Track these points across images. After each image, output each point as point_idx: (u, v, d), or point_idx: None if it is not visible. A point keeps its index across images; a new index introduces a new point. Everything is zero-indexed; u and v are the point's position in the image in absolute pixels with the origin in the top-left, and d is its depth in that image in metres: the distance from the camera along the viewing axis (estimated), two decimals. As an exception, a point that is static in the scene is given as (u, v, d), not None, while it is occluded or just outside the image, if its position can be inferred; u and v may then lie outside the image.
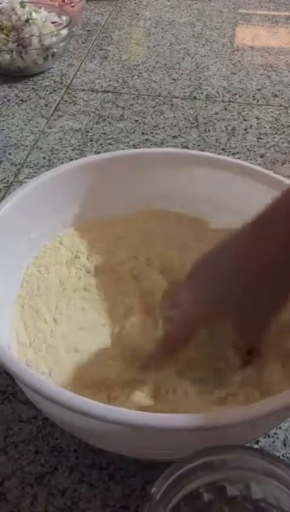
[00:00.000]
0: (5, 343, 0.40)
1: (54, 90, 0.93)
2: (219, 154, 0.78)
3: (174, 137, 0.82)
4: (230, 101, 0.91)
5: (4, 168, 0.75)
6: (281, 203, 0.40)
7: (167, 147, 0.79)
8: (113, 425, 0.34)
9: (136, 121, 0.85)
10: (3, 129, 0.83)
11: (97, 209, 0.55)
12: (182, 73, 0.98)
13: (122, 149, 0.79)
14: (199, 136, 0.82)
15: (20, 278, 0.50)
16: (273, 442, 0.46)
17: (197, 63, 1.02)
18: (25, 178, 0.73)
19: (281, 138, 0.82)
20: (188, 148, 0.79)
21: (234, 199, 0.53)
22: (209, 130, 0.83)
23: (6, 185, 0.72)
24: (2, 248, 0.47)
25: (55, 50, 0.95)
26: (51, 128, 0.83)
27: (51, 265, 0.52)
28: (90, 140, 0.81)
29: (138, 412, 0.35)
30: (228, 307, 0.42)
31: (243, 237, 0.42)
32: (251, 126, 0.84)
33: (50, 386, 0.36)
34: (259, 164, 0.76)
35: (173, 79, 0.97)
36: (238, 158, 0.77)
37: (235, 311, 0.42)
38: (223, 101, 0.91)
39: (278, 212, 0.40)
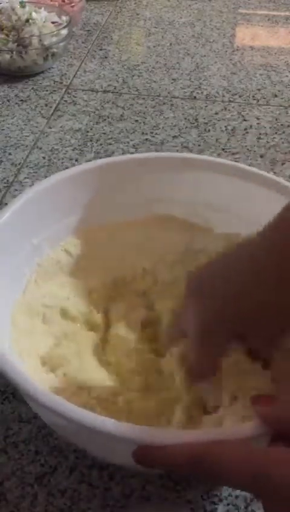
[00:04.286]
0: (6, 350, 0.39)
1: (54, 90, 0.93)
2: (218, 154, 0.78)
3: (174, 137, 0.82)
4: (230, 101, 0.91)
5: (4, 168, 0.75)
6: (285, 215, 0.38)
7: (167, 147, 0.80)
8: (116, 440, 0.34)
9: (136, 121, 0.85)
10: (3, 129, 0.83)
11: (101, 214, 0.54)
12: (182, 73, 0.98)
13: (122, 149, 0.79)
14: (199, 136, 0.82)
15: (23, 283, 0.50)
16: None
17: (197, 63, 1.02)
18: (25, 178, 0.73)
19: (281, 138, 0.82)
20: (188, 148, 0.79)
21: (238, 204, 0.53)
22: (209, 130, 0.83)
23: (6, 185, 0.72)
24: (4, 253, 0.46)
25: (55, 50, 0.95)
26: (51, 128, 0.84)
27: (53, 274, 0.52)
28: (90, 140, 0.81)
29: (140, 426, 0.35)
30: (241, 326, 0.40)
31: (248, 249, 0.40)
32: (250, 126, 0.84)
33: (49, 396, 0.35)
34: (259, 164, 0.76)
35: (173, 79, 0.97)
36: (238, 158, 0.77)
37: (250, 329, 0.40)
38: (223, 101, 0.91)
39: (284, 224, 0.38)
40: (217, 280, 0.41)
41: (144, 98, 0.91)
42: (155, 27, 1.15)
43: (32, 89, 0.93)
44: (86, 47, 1.07)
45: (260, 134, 0.83)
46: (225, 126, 0.84)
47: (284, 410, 0.33)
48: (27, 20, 0.94)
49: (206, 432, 0.33)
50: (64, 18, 0.99)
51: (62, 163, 0.76)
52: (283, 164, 0.76)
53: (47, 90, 0.93)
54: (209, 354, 0.41)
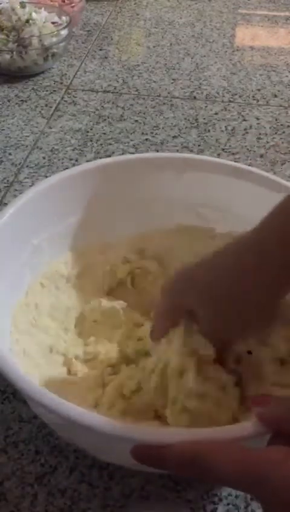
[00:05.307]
0: (6, 351, 0.39)
1: (54, 90, 0.93)
2: (218, 154, 0.78)
3: (174, 137, 0.82)
4: (230, 101, 0.91)
5: (4, 168, 0.75)
6: (273, 218, 0.38)
7: (167, 147, 0.80)
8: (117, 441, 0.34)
9: (136, 121, 0.85)
10: (3, 129, 0.83)
11: (100, 214, 0.54)
12: (182, 74, 0.98)
13: (122, 149, 0.79)
14: (199, 136, 0.82)
15: (23, 284, 0.49)
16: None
17: (197, 63, 1.02)
18: (25, 178, 0.73)
19: (281, 138, 0.82)
20: (188, 148, 0.79)
21: (238, 204, 0.53)
22: (209, 130, 0.83)
23: (6, 185, 0.72)
24: (4, 254, 0.46)
25: (55, 50, 0.95)
26: (51, 128, 0.84)
27: (54, 275, 0.52)
28: (90, 141, 0.81)
29: (136, 426, 0.35)
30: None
31: (238, 248, 0.40)
32: (250, 126, 0.84)
33: (48, 395, 0.35)
34: (259, 164, 0.76)
35: (173, 79, 0.97)
36: (238, 158, 0.77)
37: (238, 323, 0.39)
38: (223, 101, 0.91)
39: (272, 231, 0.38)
40: (199, 269, 0.40)
41: (144, 98, 0.91)
42: (155, 27, 1.15)
43: (33, 89, 0.93)
44: (86, 47, 1.07)
45: (260, 134, 0.83)
46: (225, 126, 0.84)
47: (284, 410, 0.33)
48: (27, 21, 0.94)
49: (203, 431, 0.33)
50: (64, 18, 0.99)
51: (62, 163, 0.76)
52: (283, 164, 0.76)
53: (47, 91, 0.93)
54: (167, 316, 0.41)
